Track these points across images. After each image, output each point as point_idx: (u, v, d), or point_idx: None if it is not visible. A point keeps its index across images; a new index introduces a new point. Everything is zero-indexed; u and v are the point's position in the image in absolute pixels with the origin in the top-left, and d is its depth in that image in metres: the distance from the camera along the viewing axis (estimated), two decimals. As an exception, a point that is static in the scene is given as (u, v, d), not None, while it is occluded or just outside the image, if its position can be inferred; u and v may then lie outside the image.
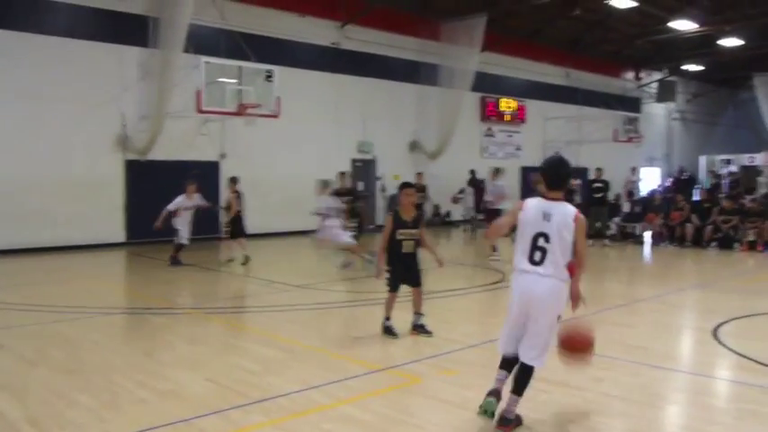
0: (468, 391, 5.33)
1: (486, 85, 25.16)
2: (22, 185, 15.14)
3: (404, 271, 7.14)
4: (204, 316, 8.70)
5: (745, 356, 6.32)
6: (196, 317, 8.63)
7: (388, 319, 7.22)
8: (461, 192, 22.43)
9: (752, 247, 14.93)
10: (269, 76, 16.72)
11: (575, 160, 29.74)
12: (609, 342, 6.87)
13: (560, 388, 5.40)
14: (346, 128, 21.45)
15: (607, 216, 17.34)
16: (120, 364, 6.28)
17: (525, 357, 4.53)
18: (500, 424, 4.50)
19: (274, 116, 16.97)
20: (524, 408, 4.78)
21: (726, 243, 15.30)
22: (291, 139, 19.77)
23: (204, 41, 16.87)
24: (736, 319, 7.96)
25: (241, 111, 16.25)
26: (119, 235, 16.81)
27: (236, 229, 13.91)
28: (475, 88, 23.33)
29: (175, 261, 13.22)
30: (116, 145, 16.90)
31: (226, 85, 16.22)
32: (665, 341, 7.30)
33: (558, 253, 4.40)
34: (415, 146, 23.52)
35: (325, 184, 12.82)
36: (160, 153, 17.12)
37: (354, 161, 21.95)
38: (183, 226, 13.27)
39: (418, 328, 7.33)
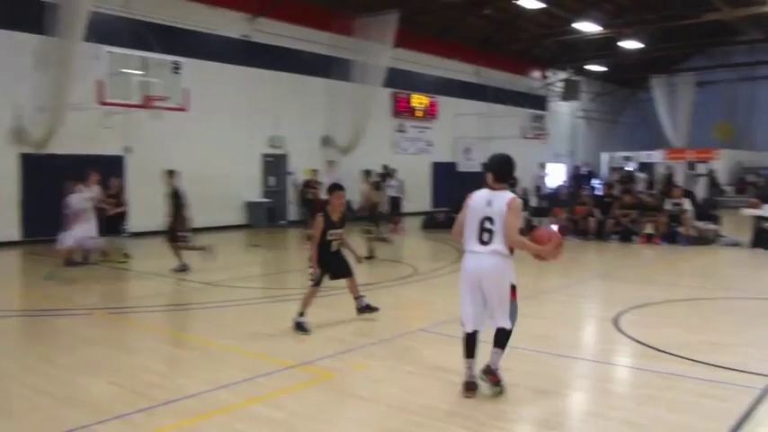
0: (381, 385, 5.35)
1: (398, 81, 25.35)
2: None
3: (336, 265, 7.43)
4: (109, 316, 8.34)
5: (643, 344, 6.62)
6: (100, 317, 8.26)
7: (302, 314, 7.18)
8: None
9: (649, 239, 15.71)
10: (176, 68, 16.21)
11: (484, 156, 30.53)
12: (515, 333, 7.02)
13: (470, 379, 5.48)
14: (257, 122, 21.11)
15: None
16: (14, 369, 5.93)
17: (500, 324, 5.19)
18: (488, 373, 5.17)
19: (182, 109, 16.47)
20: (438, 398, 4.85)
21: (626, 236, 16.03)
22: (201, 133, 19.27)
23: (107, 30, 16.13)
24: (635, 307, 8.34)
25: (147, 103, 15.67)
26: (13, 233, 15.88)
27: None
28: (387, 84, 23.47)
29: (71, 262, 12.45)
30: (10, 138, 15.96)
31: (130, 77, 15.61)
32: (568, 330, 7.57)
33: (501, 233, 5.04)
34: (327, 141, 23.41)
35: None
36: (60, 147, 16.27)
37: (265, 156, 21.65)
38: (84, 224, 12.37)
39: (365, 309, 7.64)
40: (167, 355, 6.35)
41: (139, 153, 18.05)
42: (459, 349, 5.21)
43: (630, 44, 28.75)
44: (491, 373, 5.17)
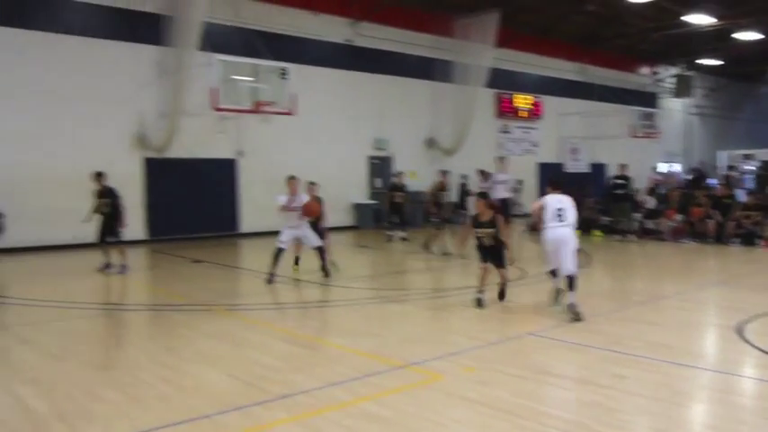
0: (489, 388, 5.32)
1: (501, 81, 25.08)
2: (42, 183, 15.28)
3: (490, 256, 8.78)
4: (226, 312, 8.74)
5: (770, 354, 6.24)
6: (218, 313, 8.66)
7: (480, 292, 8.54)
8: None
9: (775, 243, 14.74)
10: (283, 74, 16.74)
11: (590, 156, 29.70)
12: (631, 339, 6.83)
13: (581, 385, 5.37)
14: (362, 125, 21.48)
15: (630, 211, 17.14)
16: (144, 359, 6.33)
17: (567, 271, 7.94)
18: (571, 308, 7.77)
19: (289, 113, 17.00)
20: (549, 404, 4.77)
21: (748, 239, 15.12)
22: (307, 137, 19.82)
23: (219, 39, 16.94)
24: (761, 316, 7.87)
25: (256, 108, 16.29)
26: (139, 232, 16.92)
27: None
28: (489, 84, 23.26)
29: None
30: (134, 143, 17.03)
31: (241, 83, 16.27)
32: (688, 338, 7.24)
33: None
34: (431, 142, 23.47)
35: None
36: (178, 151, 17.23)
37: (371, 158, 21.96)
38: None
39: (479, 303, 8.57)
40: (281, 351, 6.57)
41: (250, 156, 18.80)
42: (571, 354, 5.11)
43: (747, 35, 27.02)
44: (573, 307, 7.71)
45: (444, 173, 16.14)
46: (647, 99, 31.85)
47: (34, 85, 15.42)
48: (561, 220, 8.01)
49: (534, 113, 27.53)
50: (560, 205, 8.10)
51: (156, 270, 13.63)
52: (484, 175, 18.69)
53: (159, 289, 11.21)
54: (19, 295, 10.09)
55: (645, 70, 33.04)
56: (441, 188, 15.00)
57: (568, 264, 7.90)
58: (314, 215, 11.06)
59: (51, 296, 9.91)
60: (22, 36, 15.26)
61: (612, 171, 18.22)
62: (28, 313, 9.07)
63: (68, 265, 13.37)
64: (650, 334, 7.18)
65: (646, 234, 17.36)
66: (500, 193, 15.97)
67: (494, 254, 8.65)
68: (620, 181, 16.95)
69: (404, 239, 16.61)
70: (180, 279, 11.81)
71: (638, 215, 17.80)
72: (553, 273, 8.37)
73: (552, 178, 8.91)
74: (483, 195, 9.19)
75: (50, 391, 5.40)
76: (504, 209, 15.04)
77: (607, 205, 18.22)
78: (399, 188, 17.09)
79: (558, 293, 8.45)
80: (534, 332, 7.24)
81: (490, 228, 8.58)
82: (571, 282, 7.81)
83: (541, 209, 8.19)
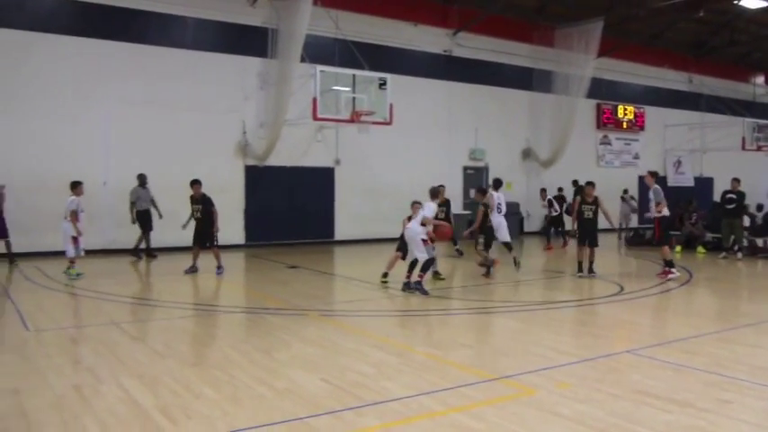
0: (584, 406, 5.17)
1: (603, 91, 24.45)
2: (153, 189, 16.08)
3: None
4: (320, 318, 8.93)
5: None
6: (313, 318, 8.87)
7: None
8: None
9: None
10: (382, 84, 16.94)
11: (697, 169, 28.37)
12: (736, 363, 6.48)
13: (684, 408, 5.13)
14: (458, 135, 21.44)
15: (742, 229, 16.23)
16: (240, 360, 6.56)
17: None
18: None
19: (387, 123, 17.21)
20: (646, 425, 4.60)
21: None
22: (403, 147, 19.98)
23: (319, 51, 17.41)
24: None
25: (355, 118, 16.57)
26: (239, 237, 17.56)
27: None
28: (590, 95, 22.71)
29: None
30: (237, 151, 17.72)
31: (340, 93, 16.61)
32: (801, 364, 6.79)
33: None
34: (527, 153, 23.13)
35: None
36: (277, 159, 17.79)
37: (466, 168, 21.88)
38: None
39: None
40: (374, 358, 6.64)
41: (346, 165, 19.15)
42: (670, 375, 4.90)
43: None
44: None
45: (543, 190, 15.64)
46: (761, 110, 30.12)
47: (146, 95, 16.32)
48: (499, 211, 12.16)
49: (637, 124, 26.60)
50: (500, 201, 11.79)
51: (253, 274, 14.09)
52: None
53: (255, 292, 11.60)
54: (121, 293, 10.70)
55: (759, 80, 31.29)
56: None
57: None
58: (448, 237, 12.05)
59: (156, 296, 10.44)
60: (137, 51, 16.24)
61: (720, 186, 17.31)
62: (133, 311, 9.61)
63: (165, 267, 13.99)
64: (756, 358, 6.78)
65: (756, 252, 16.42)
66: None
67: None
68: (731, 195, 16.07)
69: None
70: (276, 283, 12.17)
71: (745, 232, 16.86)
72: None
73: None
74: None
75: (155, 386, 5.69)
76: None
77: (714, 221, 17.35)
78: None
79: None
80: (632, 350, 6.99)
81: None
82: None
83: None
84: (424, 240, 10.42)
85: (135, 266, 14.37)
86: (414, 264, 10.49)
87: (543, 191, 19.72)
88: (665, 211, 12.45)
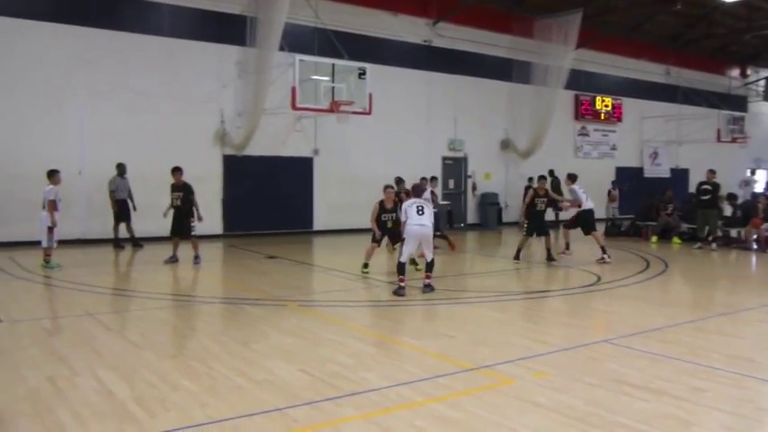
0: (562, 395, 5.22)
1: (581, 82, 24.58)
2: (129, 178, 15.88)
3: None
4: (299, 308, 8.90)
5: None
6: (289, 309, 8.83)
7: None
8: None
9: None
10: (362, 74, 16.85)
11: (674, 161, 28.68)
12: (711, 352, 6.57)
13: (660, 397, 5.19)
14: (437, 125, 21.44)
15: (716, 219, 16.38)
16: (218, 351, 6.52)
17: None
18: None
19: (366, 113, 17.13)
20: (624, 414, 4.65)
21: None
22: (382, 137, 19.94)
23: (299, 40, 17.25)
24: None
25: (334, 108, 16.49)
26: (217, 227, 17.43)
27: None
28: (568, 86, 22.83)
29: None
30: (215, 140, 17.56)
31: (319, 83, 16.49)
32: (773, 353, 6.90)
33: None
34: (506, 144, 23.22)
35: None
36: (255, 149, 17.65)
37: (445, 159, 21.91)
38: None
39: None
40: (353, 349, 6.63)
41: (325, 155, 19.08)
42: (646, 364, 4.96)
43: None
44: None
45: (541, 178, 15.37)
46: (735, 102, 30.51)
47: (123, 83, 16.06)
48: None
49: (614, 116, 26.80)
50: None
51: (231, 264, 13.99)
52: None
53: (234, 283, 11.51)
54: (98, 284, 10.58)
55: (734, 72, 31.66)
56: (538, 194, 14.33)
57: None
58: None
59: (133, 286, 10.33)
60: (112, 38, 15.96)
61: (696, 177, 17.48)
62: (110, 302, 9.51)
63: (143, 257, 13.86)
64: (731, 347, 6.88)
65: (729, 243, 16.65)
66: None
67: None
68: (705, 187, 16.24)
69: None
70: (254, 274, 12.10)
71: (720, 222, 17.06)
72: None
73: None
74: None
75: (131, 377, 5.63)
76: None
77: (689, 212, 17.55)
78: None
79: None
80: (609, 339, 7.06)
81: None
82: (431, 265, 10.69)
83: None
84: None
85: (116, 256, 14.20)
86: (431, 264, 10.04)
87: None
88: (588, 205, 13.77)
